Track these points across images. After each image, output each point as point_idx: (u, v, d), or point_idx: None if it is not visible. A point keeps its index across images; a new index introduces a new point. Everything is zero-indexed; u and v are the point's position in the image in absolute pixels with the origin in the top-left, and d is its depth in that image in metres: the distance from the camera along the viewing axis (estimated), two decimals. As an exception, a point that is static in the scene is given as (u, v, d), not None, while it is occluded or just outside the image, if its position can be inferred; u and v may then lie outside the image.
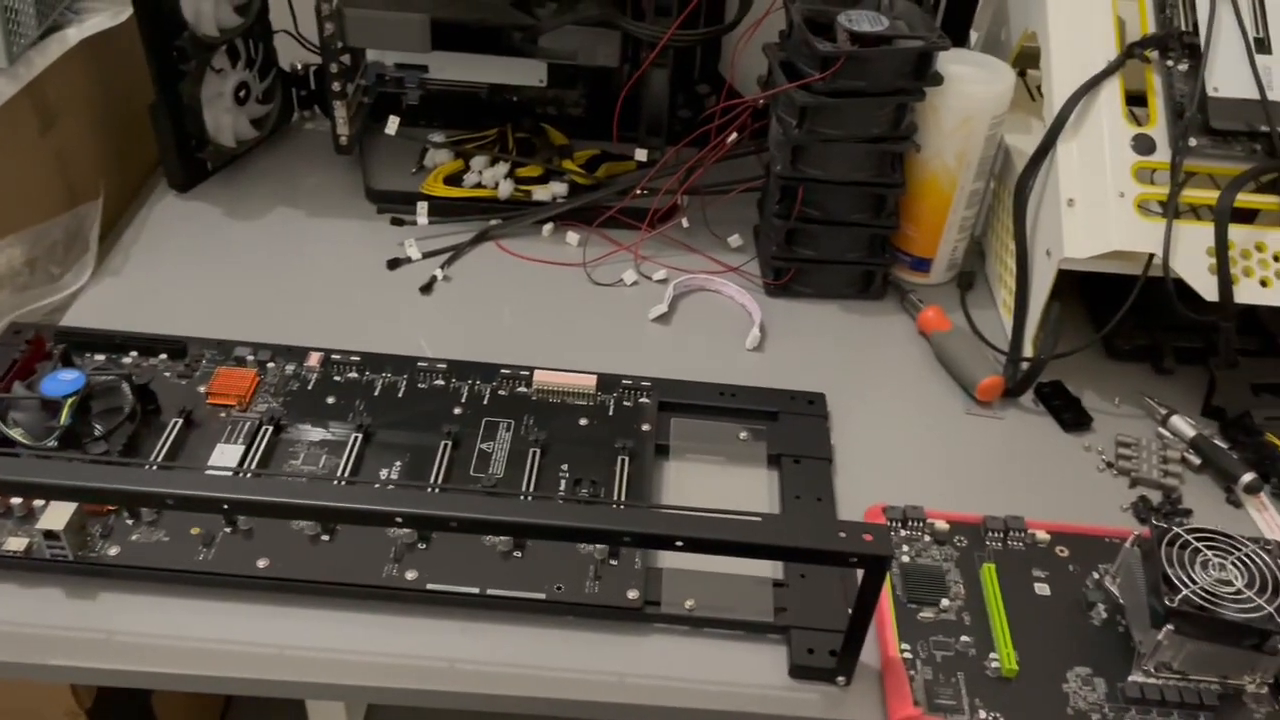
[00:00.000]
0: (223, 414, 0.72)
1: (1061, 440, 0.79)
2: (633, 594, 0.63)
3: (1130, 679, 0.61)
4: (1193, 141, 0.76)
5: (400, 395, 0.75)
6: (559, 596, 0.63)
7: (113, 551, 0.63)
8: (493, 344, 0.81)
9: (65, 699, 0.85)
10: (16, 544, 0.63)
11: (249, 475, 0.68)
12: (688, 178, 0.92)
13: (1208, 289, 0.75)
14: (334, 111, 0.90)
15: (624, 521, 0.57)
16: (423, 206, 0.93)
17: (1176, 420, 0.78)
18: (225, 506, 0.59)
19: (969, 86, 0.82)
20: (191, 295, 0.84)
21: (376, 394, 0.75)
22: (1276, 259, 0.76)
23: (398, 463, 0.71)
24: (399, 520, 0.55)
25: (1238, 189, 0.75)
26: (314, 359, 0.77)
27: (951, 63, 0.83)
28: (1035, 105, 0.92)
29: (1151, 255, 0.75)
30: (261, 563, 0.63)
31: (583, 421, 0.74)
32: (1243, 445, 0.77)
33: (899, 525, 0.68)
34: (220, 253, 0.89)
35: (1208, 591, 0.60)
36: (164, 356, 0.76)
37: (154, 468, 0.67)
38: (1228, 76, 0.78)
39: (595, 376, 0.76)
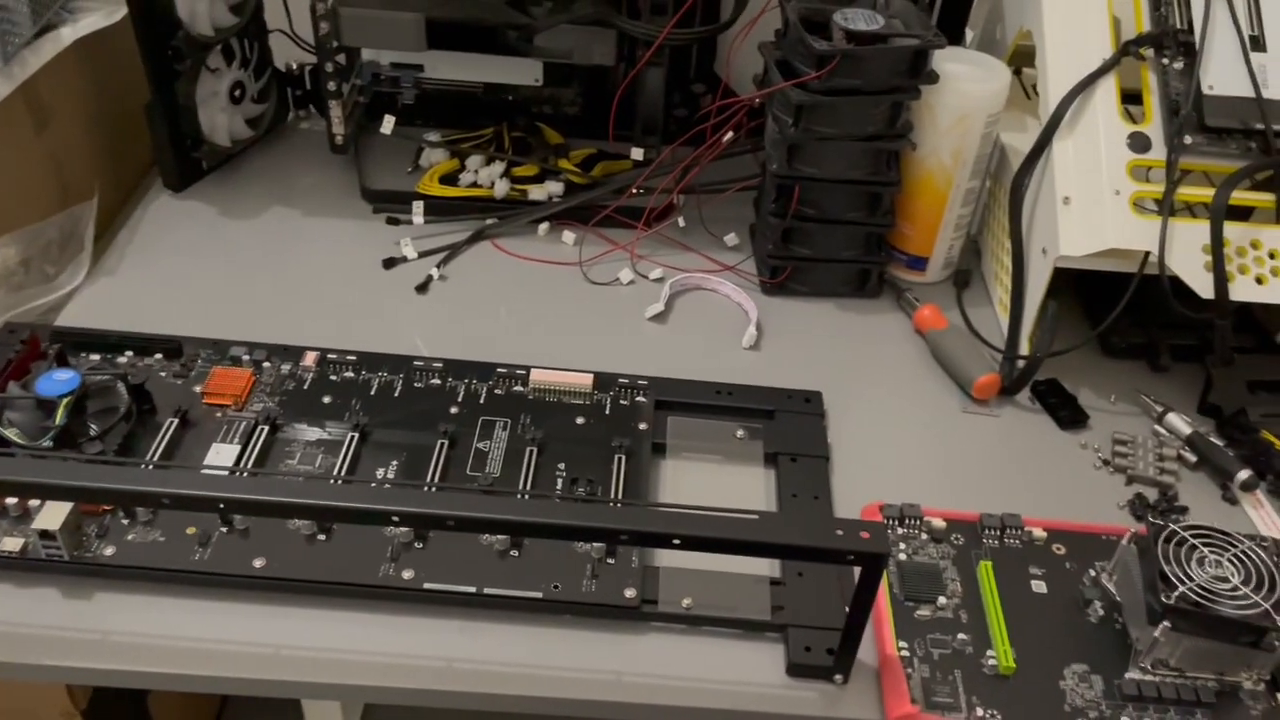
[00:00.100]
0: (218, 414, 0.72)
1: (1058, 438, 0.79)
2: (630, 593, 0.63)
3: (1127, 676, 0.61)
4: (1188, 139, 0.77)
5: (396, 394, 0.75)
6: (556, 595, 0.63)
7: (108, 551, 0.63)
8: (489, 343, 0.81)
9: (61, 699, 0.84)
10: (12, 544, 0.62)
11: (245, 475, 0.68)
12: (684, 176, 0.92)
13: (1203, 286, 0.75)
14: (329, 111, 0.90)
15: (621, 520, 0.56)
16: (418, 206, 0.93)
17: (1172, 418, 0.78)
18: (221, 506, 0.59)
19: (965, 85, 0.82)
20: (187, 295, 0.84)
21: (373, 393, 0.75)
22: (1272, 256, 0.76)
23: (394, 462, 0.70)
24: (396, 519, 0.55)
25: (1233, 186, 0.75)
26: (310, 358, 0.77)
27: (947, 61, 0.83)
28: (1031, 104, 0.92)
29: (1147, 253, 0.75)
30: (258, 562, 0.63)
31: (579, 420, 0.74)
32: (1239, 442, 0.77)
33: (896, 523, 0.68)
34: (216, 252, 0.89)
35: (1204, 588, 0.60)
36: (159, 356, 0.76)
37: (150, 467, 0.67)
38: (1223, 74, 0.78)
39: (592, 375, 0.76)
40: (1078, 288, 0.86)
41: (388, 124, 0.93)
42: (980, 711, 0.59)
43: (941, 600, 0.64)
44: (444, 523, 0.55)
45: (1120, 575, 0.65)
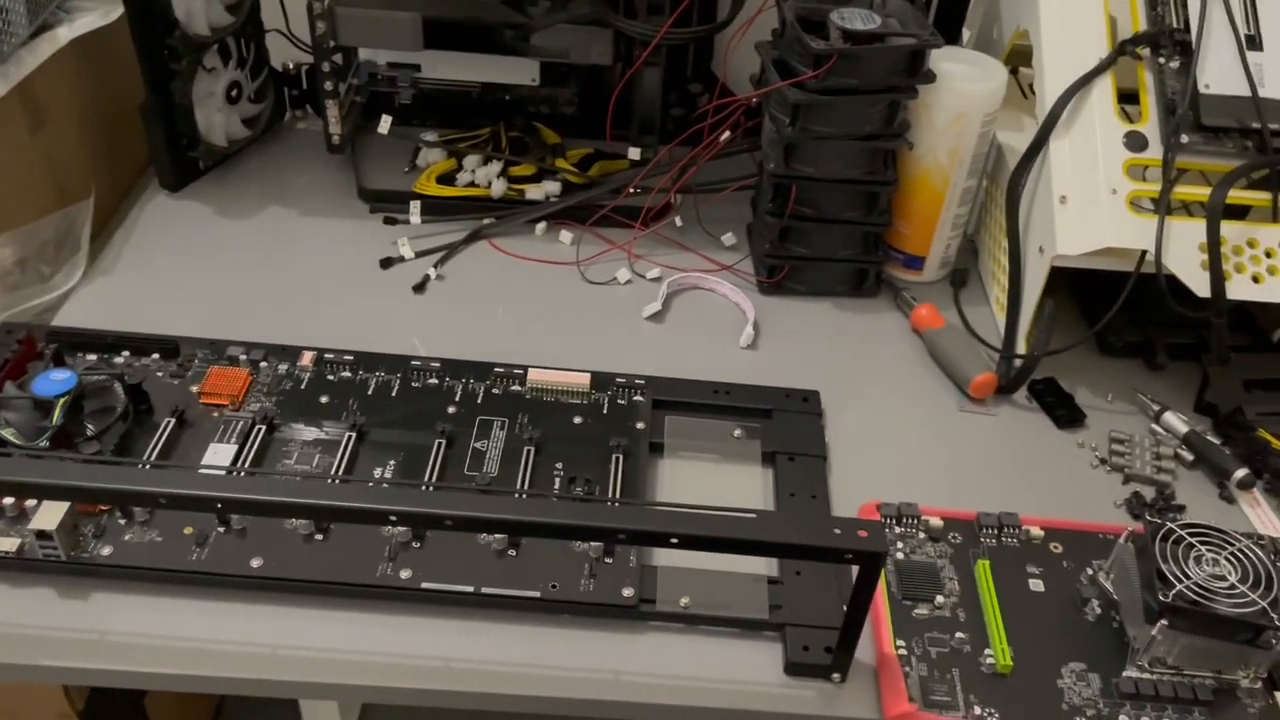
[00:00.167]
0: (215, 414, 0.72)
1: (1055, 437, 0.79)
2: (628, 592, 0.63)
3: (1125, 674, 0.61)
4: (1184, 138, 0.77)
5: (394, 394, 0.75)
6: (554, 595, 0.63)
7: (105, 551, 0.63)
8: (486, 343, 0.81)
9: (58, 700, 0.84)
10: (9, 544, 0.62)
11: (242, 474, 0.67)
12: (681, 176, 0.92)
13: (1200, 285, 0.75)
14: (326, 111, 0.90)
15: (619, 519, 0.56)
16: (415, 206, 0.93)
17: (1169, 416, 0.79)
18: (218, 506, 0.59)
19: (961, 84, 0.83)
20: (184, 295, 0.84)
21: (370, 393, 0.75)
22: (1268, 255, 0.76)
23: (392, 462, 0.70)
24: (393, 519, 0.55)
25: (1229, 185, 0.75)
26: (307, 358, 0.77)
27: (944, 60, 0.83)
28: (1027, 103, 0.92)
29: (1144, 252, 0.75)
30: (255, 562, 0.63)
31: (577, 420, 0.74)
32: (1235, 441, 0.77)
33: (893, 522, 0.68)
34: (212, 252, 0.89)
35: (1201, 587, 0.60)
36: (156, 356, 0.76)
37: (146, 467, 0.67)
38: (1219, 73, 0.78)
39: (589, 375, 0.76)
40: (1074, 287, 0.86)
41: (385, 124, 0.93)
42: (978, 710, 0.59)
43: (939, 599, 0.64)
44: (442, 522, 0.55)
45: (1117, 574, 0.65)
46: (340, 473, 0.69)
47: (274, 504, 0.55)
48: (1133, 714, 0.60)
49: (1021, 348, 0.81)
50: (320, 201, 0.95)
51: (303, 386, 0.75)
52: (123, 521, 0.65)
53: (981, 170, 0.88)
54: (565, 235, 0.93)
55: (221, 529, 0.65)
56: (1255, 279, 0.75)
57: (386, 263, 0.89)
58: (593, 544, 0.65)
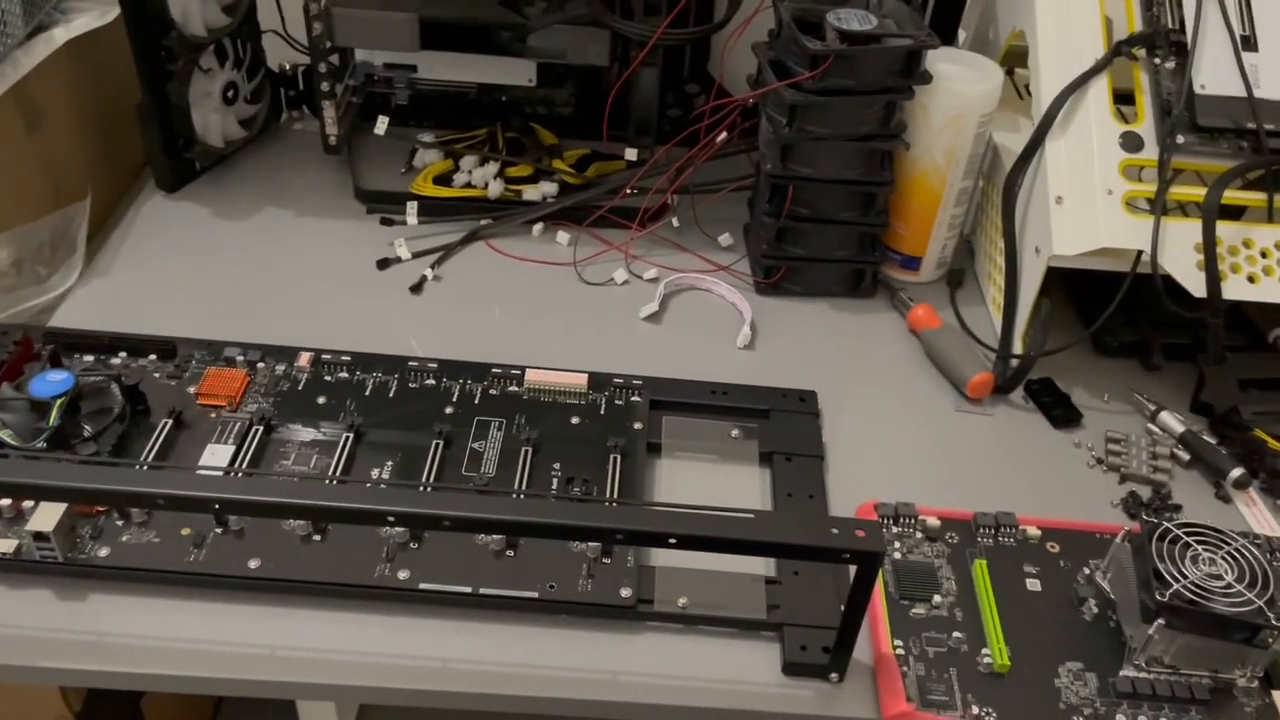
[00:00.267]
0: (213, 414, 0.72)
1: (1051, 437, 0.79)
2: (626, 592, 0.63)
3: (1122, 673, 0.62)
4: (1180, 139, 0.77)
5: (391, 395, 0.75)
6: (552, 595, 0.63)
7: (103, 553, 0.63)
8: (484, 343, 0.81)
9: (55, 701, 0.84)
10: (6, 545, 0.62)
11: (240, 475, 0.67)
12: (678, 177, 0.92)
13: (1196, 285, 0.75)
14: (322, 111, 0.90)
15: (616, 519, 0.56)
16: (412, 206, 0.93)
17: (1165, 416, 0.79)
18: (216, 506, 0.59)
19: (958, 85, 0.83)
20: (180, 296, 0.84)
21: (367, 394, 0.75)
22: (1264, 255, 0.76)
23: (389, 462, 0.70)
24: (391, 519, 0.55)
25: (1225, 186, 0.75)
26: (304, 359, 0.76)
27: (940, 61, 0.83)
28: (1023, 104, 0.92)
29: (1140, 252, 0.75)
30: (253, 563, 0.63)
31: (574, 420, 0.74)
32: (1231, 440, 0.77)
33: (891, 522, 0.69)
34: (209, 253, 0.89)
35: (1198, 586, 0.60)
36: (153, 357, 0.76)
37: (144, 468, 0.67)
38: (1214, 74, 0.78)
39: (586, 375, 0.76)
40: (1070, 287, 0.86)
41: (381, 124, 0.93)
42: (975, 709, 0.59)
43: (936, 599, 0.64)
44: (439, 523, 0.55)
45: (1114, 573, 0.65)
46: (338, 473, 0.69)
47: (271, 505, 0.55)
48: (1130, 713, 0.60)
49: (1018, 348, 0.82)
50: (317, 202, 0.95)
51: (300, 387, 0.75)
52: (120, 523, 0.65)
53: (978, 171, 0.88)
54: (562, 236, 0.93)
55: (219, 530, 0.65)
56: (1251, 279, 0.76)
57: (383, 263, 0.89)
58: (591, 544, 0.65)
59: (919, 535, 0.68)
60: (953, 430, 0.79)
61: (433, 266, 0.89)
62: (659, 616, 0.63)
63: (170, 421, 0.71)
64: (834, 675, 0.61)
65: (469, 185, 0.95)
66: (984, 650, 0.62)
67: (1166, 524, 0.63)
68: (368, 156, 0.97)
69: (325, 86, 0.88)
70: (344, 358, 0.77)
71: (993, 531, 0.69)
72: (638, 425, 0.74)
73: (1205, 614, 0.59)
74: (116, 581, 0.63)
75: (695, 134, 0.90)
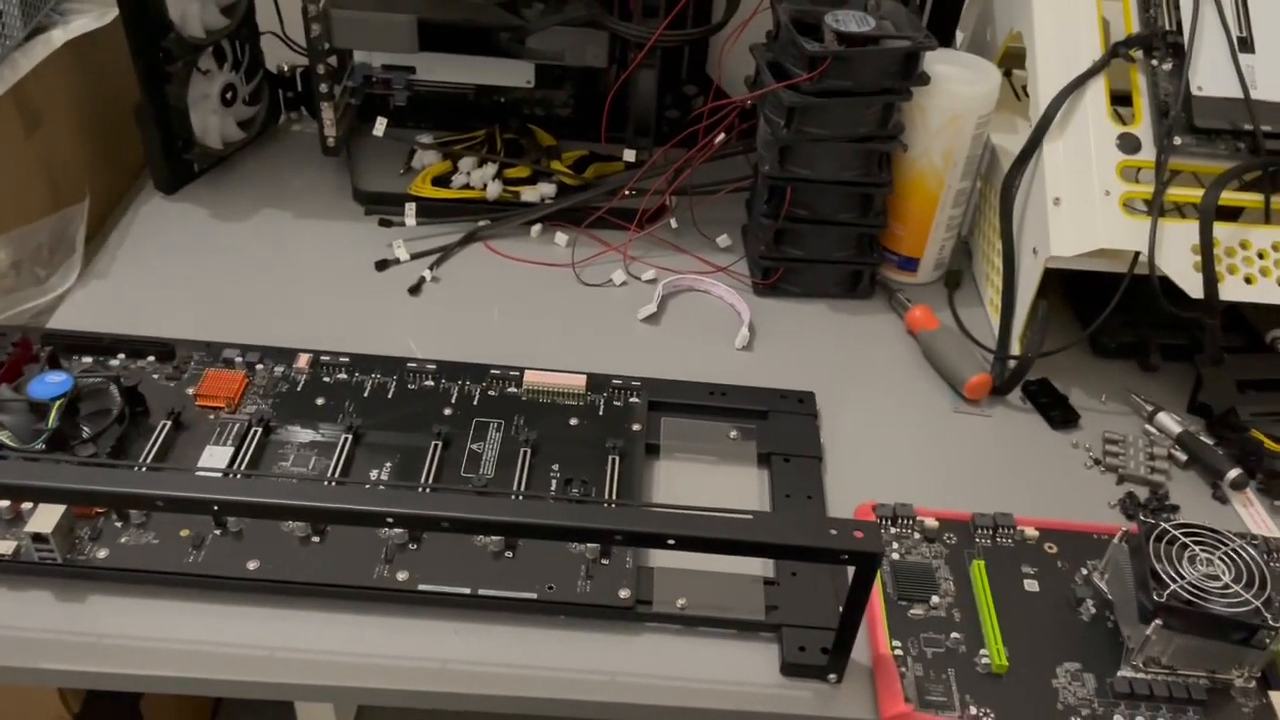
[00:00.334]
0: (211, 416, 0.72)
1: (1049, 437, 0.79)
2: (624, 593, 0.63)
3: (1119, 674, 0.62)
4: (1177, 140, 0.77)
5: (390, 396, 0.75)
6: (550, 596, 0.63)
7: (101, 554, 0.63)
8: (482, 345, 0.81)
9: (53, 703, 0.84)
10: (4, 547, 0.62)
11: (239, 477, 0.67)
12: (676, 178, 0.92)
13: (1193, 286, 0.75)
14: (321, 113, 0.90)
15: (615, 520, 0.57)
16: (411, 208, 0.93)
17: (1163, 417, 0.79)
18: (215, 508, 0.59)
19: (955, 86, 0.83)
20: (179, 297, 0.84)
21: (366, 395, 0.75)
22: (1261, 256, 0.76)
23: (388, 464, 0.70)
24: (390, 521, 0.55)
25: (1222, 187, 0.75)
26: (303, 360, 0.77)
27: (938, 63, 0.83)
28: (1021, 105, 0.92)
29: (1137, 253, 0.76)
30: (252, 564, 0.63)
31: (573, 421, 0.74)
32: (1228, 441, 0.77)
33: (889, 523, 0.69)
34: (207, 254, 0.89)
35: (1195, 586, 0.60)
36: (152, 358, 0.76)
37: (143, 470, 0.67)
38: (1211, 75, 0.78)
39: (585, 376, 0.76)
40: (1068, 288, 0.86)
41: (380, 126, 0.93)
42: (973, 710, 0.59)
43: (934, 599, 0.65)
44: (438, 524, 0.55)
45: (1112, 574, 0.66)
46: (336, 475, 0.69)
47: (270, 506, 0.55)
48: (1127, 714, 0.60)
49: (1016, 349, 0.82)
50: (315, 204, 0.95)
51: (299, 389, 0.75)
52: (119, 524, 0.65)
53: (975, 172, 0.88)
54: (561, 237, 0.93)
55: (218, 531, 0.65)
56: (1248, 280, 0.76)
57: (382, 265, 0.89)
58: (589, 545, 0.65)
59: (917, 536, 0.68)
60: (951, 431, 0.79)
61: (431, 268, 0.89)
62: (657, 617, 0.63)
63: (169, 423, 0.71)
64: (832, 676, 0.61)
65: (467, 186, 0.95)
66: (982, 651, 0.62)
67: (1164, 524, 0.63)
68: (366, 158, 0.97)
69: (324, 88, 0.88)
70: (343, 359, 0.77)
71: (991, 532, 0.69)
72: (636, 426, 0.74)
73: (1202, 614, 0.59)
74: (115, 583, 0.63)
75: (693, 135, 0.90)
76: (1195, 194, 0.76)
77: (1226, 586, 0.60)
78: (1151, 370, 0.84)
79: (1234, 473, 0.74)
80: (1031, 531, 0.69)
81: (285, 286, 0.86)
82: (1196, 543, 0.62)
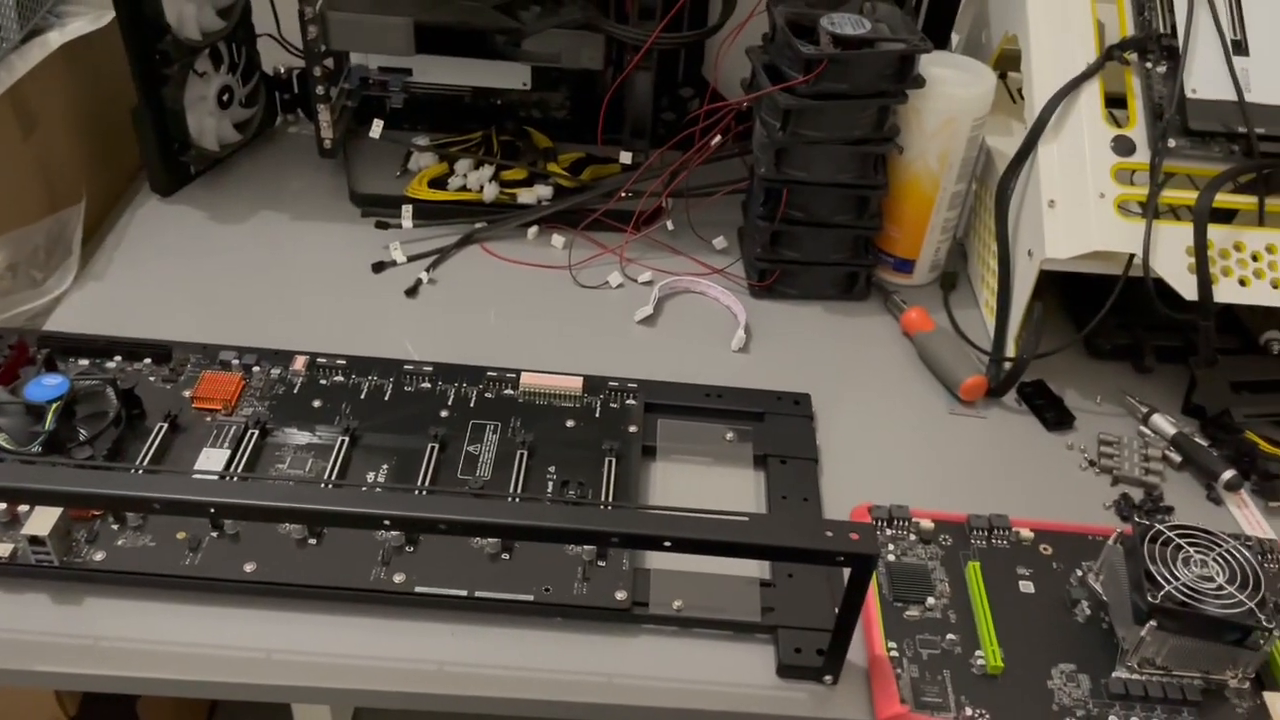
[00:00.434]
0: (208, 418, 0.72)
1: (1044, 439, 0.79)
2: (621, 595, 0.63)
3: (1114, 675, 0.62)
4: (1172, 143, 0.77)
5: (386, 398, 0.75)
6: (547, 598, 0.63)
7: (98, 557, 0.63)
8: (479, 346, 0.81)
9: (50, 705, 0.84)
10: (1, 550, 0.62)
11: (235, 479, 0.68)
12: (672, 180, 0.92)
13: (1187, 288, 0.75)
14: (318, 115, 0.90)
15: (611, 522, 0.57)
16: (407, 210, 0.93)
17: (1157, 418, 0.79)
18: (212, 510, 0.59)
19: (951, 89, 0.83)
20: (175, 299, 0.84)
21: (362, 397, 0.75)
22: (1255, 258, 0.77)
23: (384, 466, 0.71)
24: (387, 523, 0.55)
25: (1216, 189, 0.75)
26: (299, 363, 0.77)
27: (933, 65, 0.83)
28: (1016, 107, 0.93)
29: (1132, 255, 0.76)
30: (248, 567, 0.63)
31: (569, 423, 0.74)
32: (1223, 443, 0.78)
33: (884, 524, 0.69)
34: (204, 257, 0.89)
35: (1190, 588, 0.60)
36: (148, 361, 0.76)
37: (139, 472, 0.67)
38: (1206, 78, 0.78)
39: (581, 378, 0.77)
40: (1063, 290, 0.87)
41: (376, 128, 0.93)
42: (969, 711, 0.60)
43: (930, 601, 0.65)
44: (435, 526, 0.55)
45: (1107, 575, 0.66)
46: (333, 477, 0.69)
47: (267, 509, 0.55)
48: (1122, 714, 0.60)
49: (1011, 350, 0.82)
50: (312, 206, 0.95)
51: (295, 391, 0.75)
52: (115, 527, 0.65)
53: (971, 174, 0.88)
54: (557, 239, 0.93)
55: (214, 534, 0.65)
56: (1242, 282, 0.76)
57: (378, 267, 0.89)
58: (586, 547, 0.66)
59: (913, 538, 0.69)
60: (946, 433, 0.79)
61: (428, 270, 0.89)
62: (654, 619, 0.64)
63: (165, 425, 0.71)
64: (828, 677, 0.61)
65: (464, 188, 0.95)
66: (977, 652, 0.62)
67: (1158, 526, 0.63)
68: (363, 160, 0.97)
69: (320, 90, 0.89)
70: (339, 361, 0.77)
71: (986, 534, 0.69)
72: (633, 428, 0.74)
73: (1197, 616, 0.60)
74: (112, 585, 0.63)
75: (690, 137, 0.90)
76: (1190, 196, 0.76)
77: (1221, 588, 0.60)
78: (1146, 372, 0.85)
79: (1228, 474, 0.74)
80: (1027, 533, 0.69)
81: (282, 289, 0.86)
82: (1191, 544, 0.63)
